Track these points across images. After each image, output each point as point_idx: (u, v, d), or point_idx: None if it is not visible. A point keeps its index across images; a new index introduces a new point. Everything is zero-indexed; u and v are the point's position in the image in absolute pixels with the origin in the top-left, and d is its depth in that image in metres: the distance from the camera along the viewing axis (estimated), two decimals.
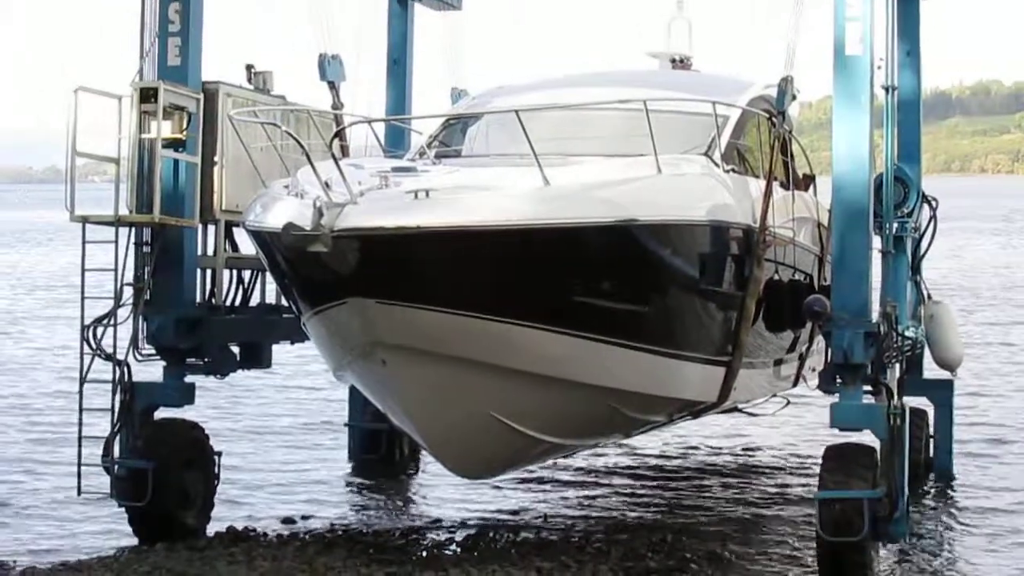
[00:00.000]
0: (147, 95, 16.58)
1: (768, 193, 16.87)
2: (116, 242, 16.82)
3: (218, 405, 26.57)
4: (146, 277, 17.11)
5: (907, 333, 18.49)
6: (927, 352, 21.20)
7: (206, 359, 17.77)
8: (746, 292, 16.60)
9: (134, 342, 17.11)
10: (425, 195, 13.74)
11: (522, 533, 17.76)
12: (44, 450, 23.43)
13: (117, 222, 16.77)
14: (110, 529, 17.69)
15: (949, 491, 20.98)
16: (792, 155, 18.96)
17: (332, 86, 19.93)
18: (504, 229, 13.81)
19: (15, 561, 16.20)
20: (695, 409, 17.96)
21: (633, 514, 19.48)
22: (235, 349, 18.27)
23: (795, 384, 20.14)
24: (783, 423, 24.25)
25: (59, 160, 16.67)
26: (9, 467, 22.16)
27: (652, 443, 23.69)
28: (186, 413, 17.71)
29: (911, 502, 17.67)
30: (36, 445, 24.09)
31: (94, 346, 16.84)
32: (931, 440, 21.70)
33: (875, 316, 16.32)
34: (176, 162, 17.01)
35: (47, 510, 19.21)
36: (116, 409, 16.92)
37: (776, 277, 17.42)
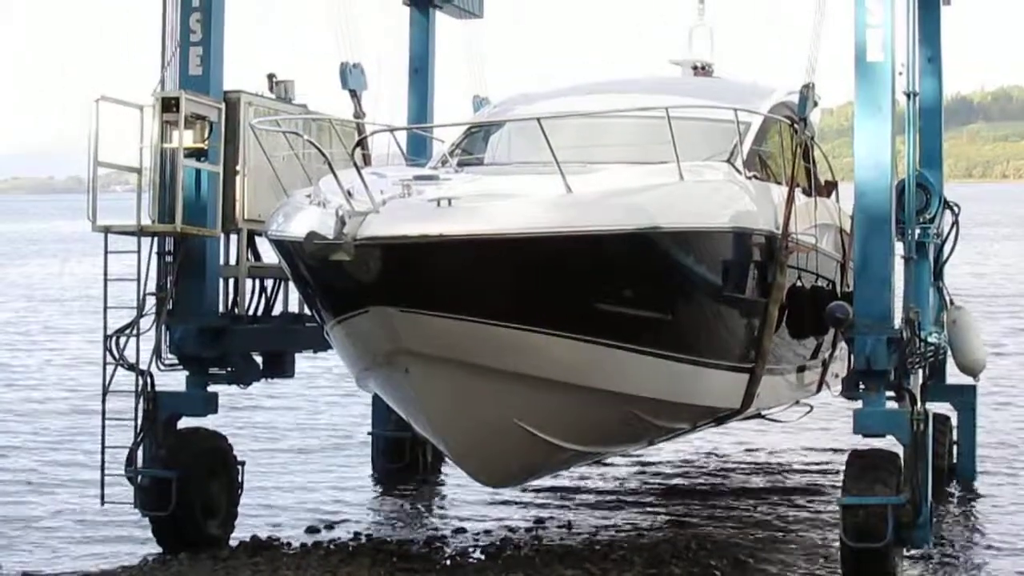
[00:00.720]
0: (169, 104, 16.64)
1: (790, 199, 16.89)
2: (139, 252, 16.90)
3: (240, 415, 26.62)
4: (169, 287, 17.17)
5: (929, 339, 18.47)
6: (950, 358, 21.20)
7: (229, 368, 17.81)
8: (769, 299, 16.62)
9: (157, 352, 17.16)
10: (447, 203, 13.74)
11: (545, 541, 17.79)
12: (59, 463, 23.43)
13: (139, 232, 16.82)
14: (133, 539, 17.71)
15: (972, 497, 20.97)
16: (814, 161, 18.99)
17: (354, 95, 19.96)
18: (527, 237, 13.82)
19: (40, 570, 16.28)
20: (718, 416, 17.94)
21: (656, 522, 19.47)
22: (258, 358, 18.30)
23: (818, 390, 20.16)
24: (806, 429, 24.23)
25: (81, 170, 16.69)
26: (26, 480, 22.13)
27: (675, 450, 23.70)
28: (209, 422, 17.74)
29: (934, 508, 17.70)
30: (50, 457, 24.06)
31: (117, 356, 16.88)
32: (954, 446, 21.69)
33: (898, 322, 16.34)
34: (198, 171, 17.06)
35: (68, 521, 19.23)
36: (139, 419, 16.97)
37: (799, 283, 17.42)
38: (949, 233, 20.59)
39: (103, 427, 17.03)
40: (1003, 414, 27.23)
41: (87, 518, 19.00)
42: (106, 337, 16.89)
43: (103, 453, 17.02)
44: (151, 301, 17.05)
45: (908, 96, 17.38)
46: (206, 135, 17.05)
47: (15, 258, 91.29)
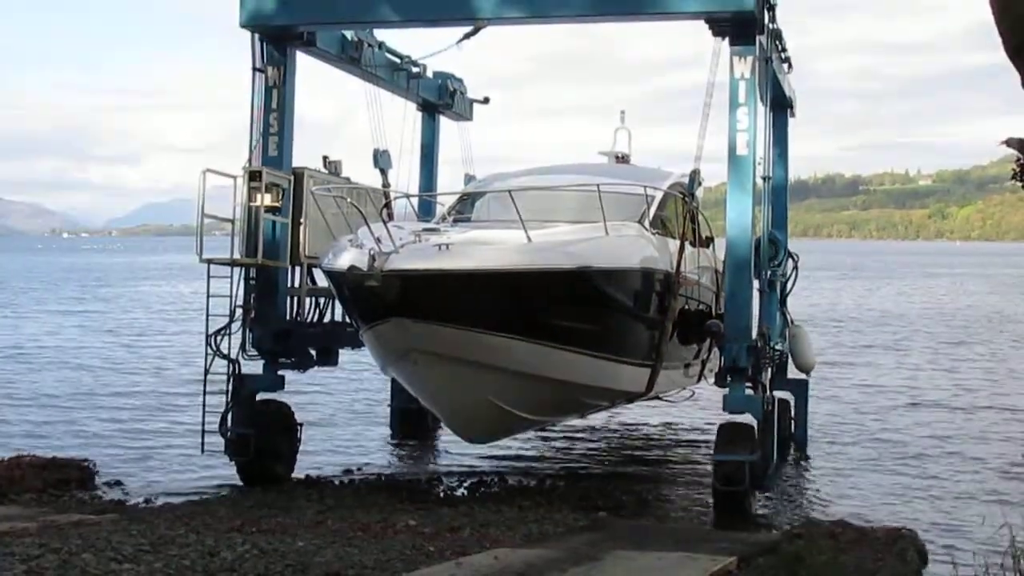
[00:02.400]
0: (254, 176, 16.67)
1: (681, 249, 16.94)
2: (232, 277, 16.88)
3: (300, 391, 26.49)
4: (251, 301, 17.16)
5: (776, 347, 18.59)
6: (790, 360, 21.29)
7: (293, 358, 17.79)
8: (665, 317, 16.65)
9: (243, 347, 17.16)
10: (446, 247, 13.82)
11: (509, 481, 17.80)
12: (166, 427, 23.09)
13: (232, 263, 16.81)
14: (223, 477, 17.65)
15: (804, 456, 21.02)
16: (698, 223, 19.05)
17: (383, 171, 19.99)
18: (500, 271, 13.90)
19: (157, 498, 16.24)
20: (629, 397, 17.99)
21: (586, 470, 19.51)
22: (313, 352, 18.28)
23: (699, 381, 20.15)
24: (690, 407, 24.28)
25: (192, 219, 16.68)
26: (144, 438, 21.98)
27: (598, 421, 23.72)
28: (278, 396, 17.72)
29: (778, 464, 17.77)
30: (160, 423, 23.83)
31: (215, 349, 16.88)
32: (792, 421, 21.73)
33: (754, 335, 16.42)
34: (274, 222, 17.04)
35: (177, 465, 19.13)
36: (229, 393, 16.97)
37: (686, 307, 17.48)
38: (791, 274, 20.71)
39: (204, 398, 16.98)
40: (825, 400, 27.29)
41: (191, 463, 18.93)
42: (208, 336, 16.89)
43: (203, 416, 16.94)
44: (239, 311, 17.05)
45: (764, 179, 17.54)
46: (280, 197, 17.06)
47: (144, 280, 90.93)
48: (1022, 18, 8.11)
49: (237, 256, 16.78)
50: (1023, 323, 51.74)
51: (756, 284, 17.23)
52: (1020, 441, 21.98)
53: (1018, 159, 8.60)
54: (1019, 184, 8.66)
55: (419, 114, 22.27)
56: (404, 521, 13.57)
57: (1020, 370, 34.92)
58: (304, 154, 18.14)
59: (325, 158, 18.72)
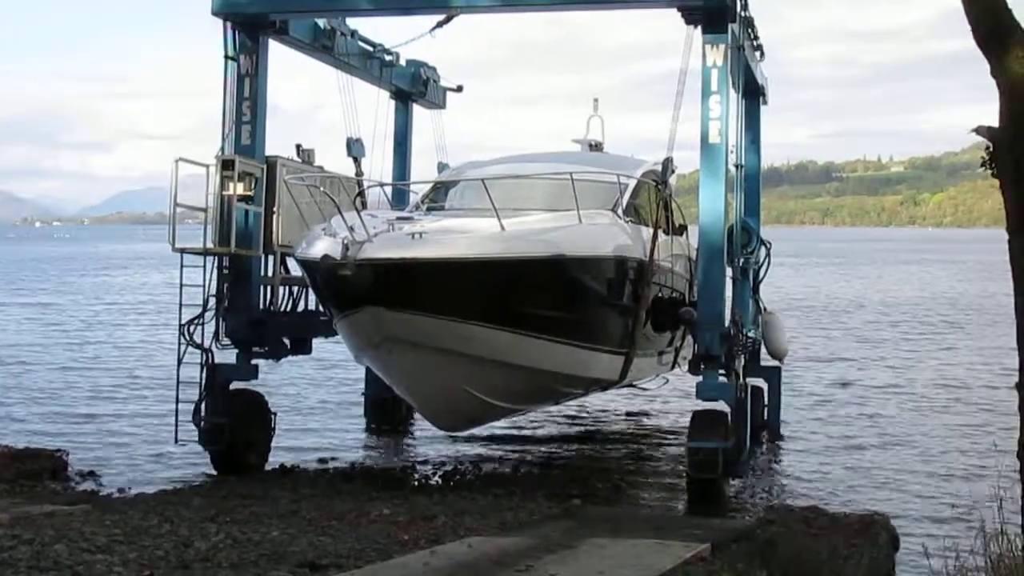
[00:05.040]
0: (227, 165, 16.61)
1: (655, 237, 16.94)
2: (204, 266, 16.81)
3: (274, 380, 26.39)
4: (225, 291, 17.10)
5: (749, 334, 18.61)
6: (763, 347, 21.34)
7: (266, 348, 17.74)
8: (639, 304, 16.65)
9: (216, 336, 17.09)
10: (420, 236, 13.79)
11: (483, 470, 17.80)
12: (141, 417, 22.95)
13: (205, 252, 16.74)
14: (197, 466, 17.58)
15: (777, 443, 21.08)
16: (671, 211, 19.06)
17: (356, 160, 19.96)
18: (474, 260, 13.87)
19: (130, 488, 16.17)
20: (603, 385, 18.00)
21: (559, 460, 19.51)
22: (286, 341, 18.21)
23: (672, 368, 20.18)
24: (663, 395, 24.30)
25: (165, 208, 16.58)
26: (119, 427, 21.89)
27: (572, 409, 23.72)
28: (251, 385, 17.65)
29: (751, 450, 17.81)
30: (134, 413, 23.73)
31: (188, 339, 16.81)
32: (765, 408, 21.78)
33: (728, 322, 16.45)
34: (247, 211, 16.97)
35: (151, 455, 19.00)
36: (203, 382, 16.89)
37: (660, 294, 17.49)
38: (764, 261, 20.75)
39: (177, 387, 16.90)
40: (797, 387, 27.37)
41: (164, 452, 18.81)
42: (181, 325, 16.81)
43: (177, 406, 16.88)
44: (212, 300, 16.98)
45: (737, 167, 17.55)
46: (252, 186, 16.99)
47: (117, 268, 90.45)
48: (991, 8, 8.15)
49: (210, 245, 16.69)
50: (988, 312, 51.92)
51: (729, 272, 17.25)
52: (985, 426, 22.09)
53: (988, 146, 8.65)
54: (989, 171, 8.70)
55: (392, 102, 22.21)
56: (378, 510, 13.51)
57: (988, 358, 35.07)
58: (277, 142, 17.99)
59: (298, 146, 18.64)
